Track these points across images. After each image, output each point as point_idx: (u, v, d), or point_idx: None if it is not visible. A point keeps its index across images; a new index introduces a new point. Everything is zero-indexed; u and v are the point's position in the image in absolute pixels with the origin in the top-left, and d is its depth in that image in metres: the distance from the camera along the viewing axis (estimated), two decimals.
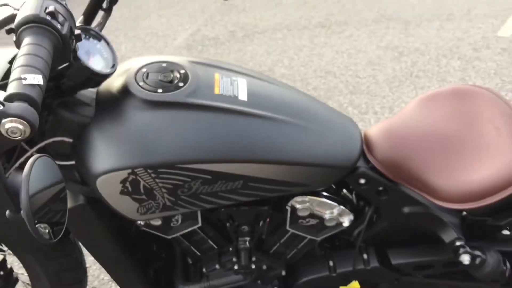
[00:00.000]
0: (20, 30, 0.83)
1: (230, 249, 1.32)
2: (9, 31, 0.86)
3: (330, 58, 3.66)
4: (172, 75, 1.09)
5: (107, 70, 1.04)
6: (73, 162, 1.11)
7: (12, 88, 0.73)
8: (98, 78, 1.02)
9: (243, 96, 1.10)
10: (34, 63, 0.76)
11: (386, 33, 4.06)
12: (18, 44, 0.82)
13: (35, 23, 0.82)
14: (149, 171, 1.02)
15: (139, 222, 1.21)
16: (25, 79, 0.73)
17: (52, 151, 1.10)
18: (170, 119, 1.04)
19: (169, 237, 1.26)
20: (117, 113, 1.04)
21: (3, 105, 0.69)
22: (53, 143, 1.09)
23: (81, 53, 0.97)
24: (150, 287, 1.38)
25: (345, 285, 1.34)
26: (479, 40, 3.85)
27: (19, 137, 0.70)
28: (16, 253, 1.41)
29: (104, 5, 1.19)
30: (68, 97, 1.06)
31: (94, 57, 1.03)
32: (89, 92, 1.10)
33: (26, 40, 0.80)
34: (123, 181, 1.03)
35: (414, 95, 3.15)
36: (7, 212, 0.72)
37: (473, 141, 1.20)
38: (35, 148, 1.08)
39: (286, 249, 1.33)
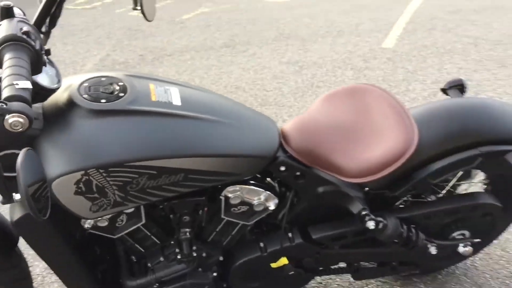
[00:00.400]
0: (1, 47, 0.96)
1: (172, 242, 1.46)
2: None
3: (238, 75, 3.91)
4: (112, 87, 1.23)
5: (53, 86, 1.16)
6: None
7: (8, 91, 0.87)
8: (45, 93, 1.15)
9: (176, 101, 1.27)
10: (21, 72, 0.91)
11: (286, 50, 4.41)
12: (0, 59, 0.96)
13: (15, 41, 0.96)
14: (101, 170, 1.15)
15: (86, 225, 1.32)
16: (17, 84, 0.88)
17: (4, 163, 1.19)
18: (115, 124, 1.18)
19: (115, 236, 1.38)
20: (66, 123, 1.16)
21: (5, 104, 0.83)
22: (4, 156, 1.18)
23: None
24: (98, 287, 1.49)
25: (275, 262, 1.54)
26: (367, 52, 4.31)
27: (20, 129, 0.85)
28: None
29: (43, 29, 1.31)
30: None
31: (40, 74, 1.16)
32: (35, 107, 1.21)
33: (9, 55, 0.93)
34: (77, 182, 1.15)
35: None
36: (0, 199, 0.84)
37: (368, 128, 1.47)
38: None
39: (222, 236, 1.50)
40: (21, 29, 0.99)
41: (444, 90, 1.79)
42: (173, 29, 5.01)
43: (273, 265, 1.54)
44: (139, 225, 1.38)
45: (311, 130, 1.46)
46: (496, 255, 2.04)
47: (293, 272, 1.57)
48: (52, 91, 1.16)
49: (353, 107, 1.53)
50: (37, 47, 1.01)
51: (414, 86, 3.61)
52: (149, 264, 1.47)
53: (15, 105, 0.86)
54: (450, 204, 1.59)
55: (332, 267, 1.71)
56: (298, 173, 1.42)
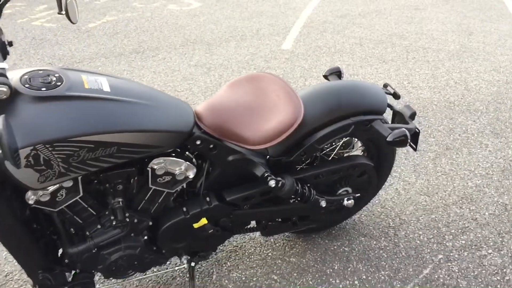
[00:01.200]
0: None
1: (107, 212, 1.70)
2: None
3: (150, 78, 4.15)
4: (49, 78, 1.47)
5: None
6: None
7: None
8: None
9: (106, 88, 1.53)
10: None
11: (193, 54, 4.71)
12: None
13: None
14: (47, 146, 1.38)
15: (30, 201, 1.54)
16: None
17: None
18: (56, 107, 1.42)
19: (56, 209, 1.60)
20: (14, 109, 1.39)
21: None
22: None
23: None
24: (43, 259, 1.69)
25: (197, 222, 1.83)
26: (268, 54, 4.73)
27: (4, 97, 1.07)
28: None
29: None
30: None
31: None
32: None
33: None
34: (27, 157, 1.37)
35: None
36: None
37: (265, 105, 1.81)
38: None
39: (150, 204, 1.76)
40: None
41: (325, 76, 2.21)
42: (80, 37, 5.12)
43: (195, 225, 1.84)
44: (77, 198, 1.62)
45: (219, 109, 1.79)
46: (377, 211, 2.49)
47: (212, 231, 1.88)
48: None
49: (253, 90, 1.87)
50: (3, 39, 1.24)
51: (310, 81, 4.06)
52: (87, 233, 1.71)
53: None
54: (333, 165, 1.99)
55: (245, 227, 2.04)
56: (211, 146, 1.74)
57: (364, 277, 2.09)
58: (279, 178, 1.81)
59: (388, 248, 2.25)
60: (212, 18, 5.85)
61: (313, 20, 5.79)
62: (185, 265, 1.96)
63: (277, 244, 2.28)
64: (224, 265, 2.16)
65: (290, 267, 2.15)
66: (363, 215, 2.45)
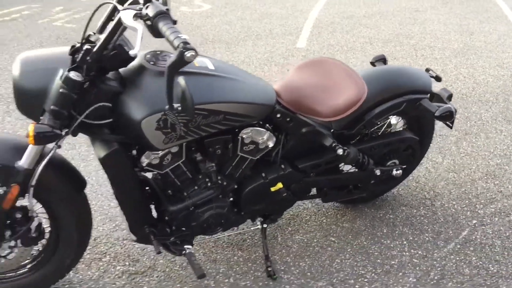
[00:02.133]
0: (157, 17, 1.41)
1: (200, 176, 1.96)
2: (146, 19, 1.42)
3: None
4: (166, 57, 1.74)
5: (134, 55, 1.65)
6: (109, 120, 1.67)
7: (180, 39, 1.33)
8: (131, 61, 1.63)
9: (211, 66, 1.79)
10: (178, 30, 1.38)
11: (215, 52, 4.97)
12: (155, 26, 1.41)
13: (164, 14, 1.42)
14: (174, 112, 1.64)
15: (144, 163, 1.79)
16: (182, 35, 1.34)
17: (92, 116, 1.64)
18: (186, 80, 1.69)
19: (163, 172, 1.86)
20: (144, 81, 1.65)
21: (184, 51, 1.30)
22: (94, 109, 1.64)
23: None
24: (148, 216, 1.94)
25: (274, 186, 2.09)
26: (285, 52, 5.02)
27: (193, 59, 1.32)
28: (46, 205, 1.81)
29: None
30: (105, 75, 1.64)
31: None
32: (116, 72, 1.69)
33: (163, 23, 1.39)
34: (158, 121, 1.63)
35: None
36: (167, 107, 1.34)
37: (332, 84, 2.09)
38: (84, 115, 1.62)
39: (235, 169, 2.01)
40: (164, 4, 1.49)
41: (372, 63, 2.50)
42: None
43: (272, 189, 2.10)
44: (179, 162, 1.87)
45: (294, 87, 2.06)
46: (413, 185, 2.79)
47: (285, 194, 2.14)
48: (133, 59, 1.65)
49: (320, 71, 2.15)
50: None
51: None
52: (185, 193, 1.95)
53: (189, 45, 1.34)
54: (386, 139, 2.27)
55: (308, 194, 2.31)
56: (288, 119, 2.01)
57: (410, 238, 2.38)
58: (345, 148, 2.08)
59: (427, 215, 2.54)
60: (225, 19, 6.12)
61: (321, 21, 6.10)
62: (259, 226, 2.22)
63: (329, 213, 2.55)
64: (285, 230, 2.42)
65: (344, 231, 2.42)
66: (400, 189, 2.74)
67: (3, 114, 3.54)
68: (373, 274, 2.16)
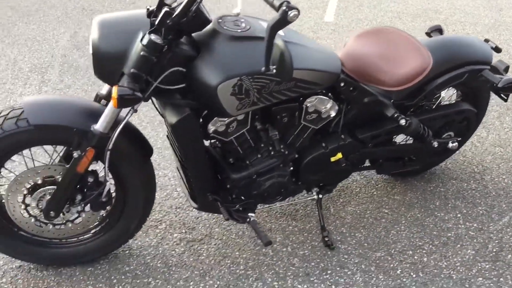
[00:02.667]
0: None
1: (262, 145, 1.94)
2: None
3: None
4: (239, 22, 1.70)
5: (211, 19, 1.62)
6: (182, 85, 1.65)
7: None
8: (207, 24, 1.60)
9: (281, 33, 1.76)
10: None
11: None
12: None
13: None
14: (249, 77, 1.61)
15: (211, 130, 1.78)
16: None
17: (165, 81, 1.62)
18: (253, 45, 1.65)
19: (227, 139, 1.84)
20: (220, 45, 1.62)
21: (287, 10, 1.27)
22: (169, 73, 1.61)
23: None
24: (212, 183, 1.93)
25: (334, 156, 2.08)
26: (313, 25, 4.94)
27: (295, 19, 1.29)
28: (115, 170, 1.80)
29: None
30: (180, 39, 1.61)
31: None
32: (189, 37, 1.66)
33: None
34: (234, 86, 1.61)
35: None
36: (263, 69, 1.31)
37: (397, 53, 2.05)
38: (159, 79, 1.60)
39: (297, 138, 1.99)
40: None
41: (428, 34, 2.45)
42: (126, 8, 5.28)
43: (332, 159, 2.08)
44: (243, 130, 1.85)
45: (357, 56, 2.03)
46: (460, 159, 2.76)
47: (344, 165, 2.12)
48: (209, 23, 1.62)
49: (383, 40, 2.11)
50: None
51: None
52: (247, 162, 1.94)
53: (292, 5, 1.31)
54: (445, 110, 2.24)
55: (365, 165, 2.29)
56: (351, 88, 1.98)
57: (464, 211, 2.37)
58: (407, 118, 2.06)
59: (478, 189, 2.52)
60: None
61: None
62: (314, 197, 2.21)
63: (379, 185, 2.54)
64: (337, 201, 2.41)
65: (396, 203, 2.41)
66: (448, 163, 2.72)
67: (39, 84, 3.52)
68: (430, 246, 2.16)
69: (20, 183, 1.74)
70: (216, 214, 2.26)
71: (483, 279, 2.00)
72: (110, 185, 1.76)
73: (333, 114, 1.98)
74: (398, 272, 2.02)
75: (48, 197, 1.77)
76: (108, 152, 1.66)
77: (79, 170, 1.67)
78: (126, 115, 1.65)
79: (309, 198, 2.23)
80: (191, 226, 2.23)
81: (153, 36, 1.51)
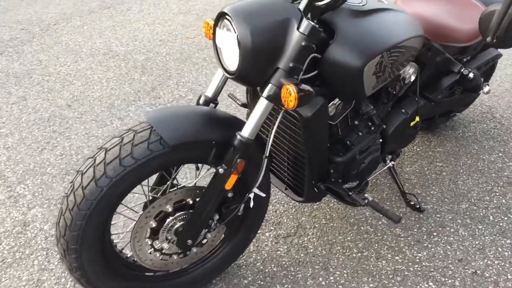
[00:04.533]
0: None
1: (357, 122, 1.84)
2: None
3: (150, 30, 4.01)
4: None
5: None
6: (315, 72, 1.48)
7: None
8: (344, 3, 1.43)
9: (386, 1, 1.67)
10: None
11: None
12: None
13: None
14: (388, 52, 1.51)
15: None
16: None
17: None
18: (381, 18, 1.54)
19: (334, 122, 1.73)
20: (353, 24, 1.47)
21: None
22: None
23: None
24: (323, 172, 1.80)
25: (413, 120, 2.06)
26: None
27: None
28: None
29: None
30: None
31: None
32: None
33: None
34: (376, 64, 1.49)
35: None
36: (488, 38, 1.22)
37: (456, 10, 2.07)
38: (303, 68, 1.41)
39: (385, 108, 1.94)
40: None
41: None
42: (28, 2, 4.62)
43: (412, 124, 2.07)
44: (347, 111, 1.76)
45: (423, 17, 2.00)
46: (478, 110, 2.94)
47: (419, 127, 2.13)
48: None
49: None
50: None
51: None
52: (347, 142, 1.84)
53: None
54: (486, 57, 2.34)
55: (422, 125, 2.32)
56: (428, 48, 1.97)
57: (502, 149, 2.54)
58: (474, 70, 2.11)
59: (497, 127, 2.73)
60: None
61: None
62: (390, 164, 2.19)
63: (417, 142, 2.60)
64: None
65: (443, 155, 2.50)
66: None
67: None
68: (499, 188, 2.28)
69: (149, 216, 1.47)
70: (288, 203, 2.14)
71: None
72: (252, 194, 1.54)
73: (413, 78, 1.96)
74: (491, 218, 2.11)
75: (178, 224, 1.51)
76: (266, 160, 1.46)
77: (227, 187, 1.45)
78: (278, 116, 1.46)
79: (387, 166, 2.20)
80: (275, 222, 2.08)
81: (311, 22, 1.33)
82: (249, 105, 1.82)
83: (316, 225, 2.07)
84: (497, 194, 2.24)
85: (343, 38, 1.46)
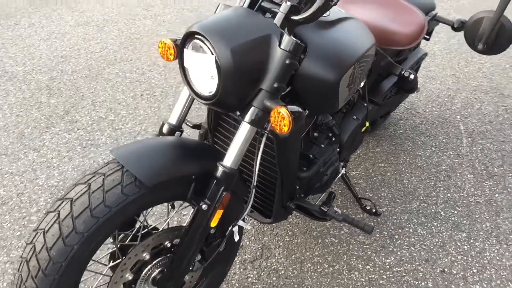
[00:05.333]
0: None
1: (316, 134, 1.78)
2: None
3: (47, 46, 3.65)
4: None
5: None
6: (288, 89, 1.37)
7: None
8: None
9: (342, 10, 1.63)
10: None
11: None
12: None
13: None
14: (358, 63, 1.45)
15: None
16: None
17: None
18: (347, 27, 1.49)
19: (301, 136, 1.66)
20: (323, 36, 1.38)
21: None
22: None
23: None
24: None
25: (364, 126, 2.05)
26: None
27: None
28: None
29: None
30: None
31: None
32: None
33: None
34: (350, 76, 1.42)
35: None
36: (480, 45, 1.18)
37: (394, 13, 2.08)
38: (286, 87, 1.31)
39: (339, 117, 1.91)
40: None
41: None
42: None
43: (363, 129, 2.06)
44: (311, 124, 1.71)
45: (369, 22, 2.00)
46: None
47: (368, 132, 2.13)
48: None
49: (370, 3, 2.13)
50: None
51: None
52: (311, 156, 1.78)
53: None
54: (418, 56, 2.40)
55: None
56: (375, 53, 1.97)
57: (433, 144, 2.65)
58: (413, 72, 2.16)
59: (423, 122, 2.84)
60: None
61: None
62: (343, 171, 2.16)
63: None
64: None
65: (382, 155, 2.54)
66: None
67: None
68: (442, 182, 2.37)
69: (125, 268, 1.27)
70: (248, 224, 2.04)
71: (492, 182, 2.31)
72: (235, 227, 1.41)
73: (362, 84, 1.95)
74: (443, 214, 2.18)
75: (156, 272, 1.34)
76: (254, 190, 1.33)
77: (213, 224, 1.30)
78: (261, 140, 1.34)
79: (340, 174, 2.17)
80: (240, 245, 1.96)
81: (293, 38, 1.24)
82: (210, 127, 1.68)
83: (281, 244, 1.98)
84: (441, 188, 2.32)
85: (316, 52, 1.38)
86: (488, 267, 1.91)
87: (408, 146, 2.62)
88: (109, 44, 3.69)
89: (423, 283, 1.84)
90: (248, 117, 1.26)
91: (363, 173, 2.40)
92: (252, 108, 1.25)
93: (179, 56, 1.30)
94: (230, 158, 1.28)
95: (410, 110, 2.94)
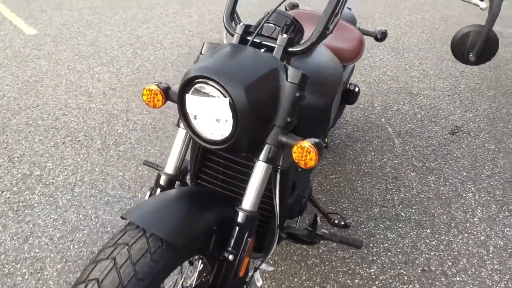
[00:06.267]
0: None
1: None
2: None
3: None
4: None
5: None
6: None
7: None
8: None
9: None
10: None
11: None
12: None
13: None
14: (340, 85, 1.48)
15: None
16: None
17: None
18: (323, 50, 1.49)
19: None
20: (309, 61, 1.40)
21: None
22: None
23: None
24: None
25: (325, 142, 2.07)
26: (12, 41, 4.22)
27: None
28: None
29: None
30: None
31: None
32: None
33: None
34: (336, 98, 1.44)
35: None
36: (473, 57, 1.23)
37: (340, 35, 2.15)
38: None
39: None
40: None
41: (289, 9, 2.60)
42: None
43: (325, 145, 2.09)
44: None
45: None
46: None
47: (328, 147, 2.17)
48: None
49: (309, 23, 2.17)
50: None
51: None
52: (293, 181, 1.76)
53: None
54: (349, 70, 2.51)
55: None
56: None
57: (371, 148, 2.77)
58: (357, 85, 2.25)
59: (359, 129, 2.97)
60: None
61: None
62: None
63: None
64: None
65: (330, 166, 2.61)
66: None
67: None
68: (391, 184, 2.48)
69: None
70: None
71: (434, 176, 2.47)
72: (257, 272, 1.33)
73: None
74: (403, 214, 2.28)
75: None
76: (278, 230, 1.27)
77: (242, 274, 1.22)
78: (276, 176, 1.29)
79: None
80: None
81: (299, 70, 1.22)
82: (194, 168, 1.58)
83: (266, 275, 1.92)
84: (393, 190, 2.43)
85: (309, 80, 1.37)
86: (459, 258, 2.04)
87: (350, 154, 2.71)
88: (6, 91, 3.35)
89: (411, 286, 1.90)
90: (263, 155, 1.21)
91: (319, 188, 2.43)
92: (267, 145, 1.21)
93: (179, 102, 1.21)
94: (248, 201, 1.22)
95: (340, 119, 3.05)
